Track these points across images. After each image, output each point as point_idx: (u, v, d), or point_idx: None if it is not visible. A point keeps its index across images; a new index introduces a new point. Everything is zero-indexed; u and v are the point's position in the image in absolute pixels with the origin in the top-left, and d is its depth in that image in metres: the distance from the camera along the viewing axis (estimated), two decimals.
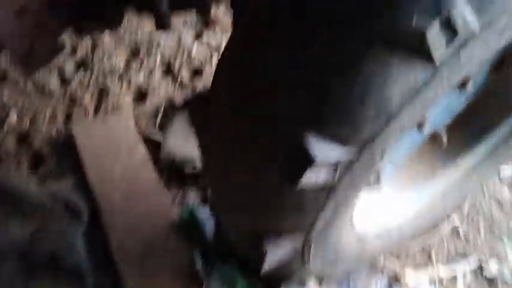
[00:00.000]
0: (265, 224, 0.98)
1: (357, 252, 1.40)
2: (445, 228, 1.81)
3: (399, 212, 1.55)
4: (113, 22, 1.85)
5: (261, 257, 1.01)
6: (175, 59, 2.53)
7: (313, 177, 0.82)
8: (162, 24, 1.77)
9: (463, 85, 1.38)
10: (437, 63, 0.74)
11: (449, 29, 0.72)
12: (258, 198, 0.93)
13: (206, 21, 2.73)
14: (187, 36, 2.67)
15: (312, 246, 1.09)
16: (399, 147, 1.51)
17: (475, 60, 0.82)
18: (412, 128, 0.89)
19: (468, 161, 1.66)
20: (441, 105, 1.43)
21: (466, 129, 1.63)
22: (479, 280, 1.66)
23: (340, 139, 0.81)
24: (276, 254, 1.02)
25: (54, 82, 2.41)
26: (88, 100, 2.33)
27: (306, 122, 0.80)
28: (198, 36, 2.68)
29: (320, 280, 1.58)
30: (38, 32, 1.29)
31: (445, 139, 1.56)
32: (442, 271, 1.67)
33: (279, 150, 0.84)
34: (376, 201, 1.45)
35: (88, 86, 2.39)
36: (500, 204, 1.87)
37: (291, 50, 0.81)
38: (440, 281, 1.66)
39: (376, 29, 0.73)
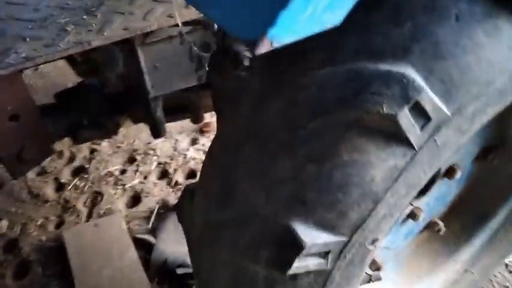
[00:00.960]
0: None
1: None
2: None
3: None
4: (107, 131, 1.91)
5: None
6: (170, 163, 2.55)
7: (304, 265, 0.77)
8: (158, 132, 1.83)
9: (451, 173, 1.37)
10: (415, 147, 0.74)
11: (422, 114, 0.72)
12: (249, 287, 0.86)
13: (201, 129, 2.83)
14: (183, 142, 2.74)
15: None
16: (397, 238, 1.45)
17: (452, 146, 0.82)
18: (402, 214, 0.86)
19: (470, 251, 1.59)
20: (434, 194, 1.41)
21: (463, 218, 1.59)
22: None
23: (328, 225, 0.77)
24: None
25: (49, 189, 2.40)
26: (81, 206, 2.30)
27: (292, 210, 0.77)
28: (194, 142, 2.75)
29: None
30: (29, 136, 1.32)
31: (443, 228, 1.51)
32: None
33: (267, 240, 0.80)
34: None
35: (83, 192, 2.37)
36: None
37: (269, 145, 0.81)
38: None
39: (349, 117, 0.73)
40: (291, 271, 0.76)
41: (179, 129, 2.84)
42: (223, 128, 0.96)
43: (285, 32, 0.52)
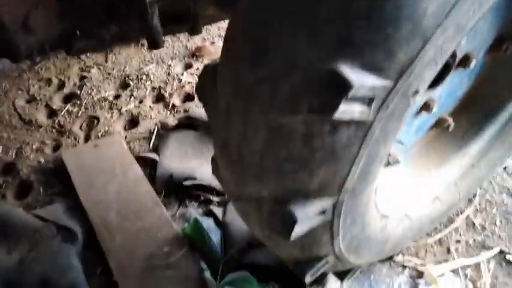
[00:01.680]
0: (293, 183, 0.86)
1: (380, 240, 1.27)
2: (460, 221, 1.70)
3: (417, 197, 1.44)
4: (103, 42, 1.79)
5: (288, 224, 0.88)
6: (165, 87, 2.46)
7: (349, 109, 0.73)
8: (155, 42, 1.72)
9: (465, 62, 1.34)
10: None
11: None
12: (285, 148, 0.81)
13: (194, 53, 2.72)
14: (177, 67, 2.63)
15: (341, 214, 0.96)
16: (409, 132, 1.44)
17: None
18: (447, 56, 0.81)
19: (476, 147, 1.60)
20: (446, 87, 1.39)
21: (472, 114, 1.58)
22: (503, 266, 1.53)
23: (375, 66, 0.72)
24: (304, 220, 0.88)
25: (41, 115, 2.30)
26: (77, 129, 2.21)
27: (338, 52, 0.72)
28: (187, 66, 2.64)
29: (341, 278, 1.42)
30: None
31: (452, 124, 1.50)
32: (465, 261, 1.54)
33: (309, 87, 0.74)
34: (396, 184, 1.35)
35: (77, 116, 2.27)
36: (511, 194, 1.78)
37: None
38: (464, 271, 1.52)
39: None
40: (337, 115, 0.72)
41: (171, 55, 2.72)
42: None
43: None
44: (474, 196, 1.79)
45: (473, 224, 1.71)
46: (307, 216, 0.89)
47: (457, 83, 1.48)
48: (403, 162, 1.43)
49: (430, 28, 0.72)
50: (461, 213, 1.74)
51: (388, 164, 1.24)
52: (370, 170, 0.91)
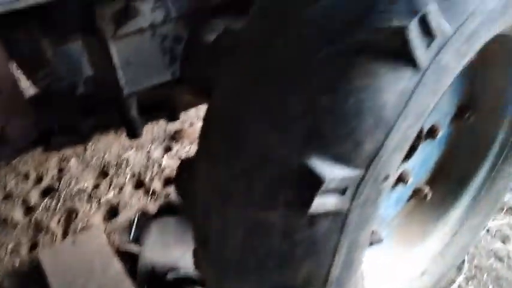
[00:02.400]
0: (277, 280, 0.83)
1: None
2: None
3: (405, 274, 1.41)
4: (81, 136, 1.80)
5: None
6: (145, 172, 2.45)
7: (323, 202, 0.73)
8: (134, 132, 1.74)
9: (433, 133, 1.39)
10: (422, 65, 0.73)
11: (427, 33, 0.72)
12: (265, 244, 0.80)
13: (174, 136, 2.76)
14: (156, 151, 2.65)
15: None
16: (388, 206, 1.44)
17: (452, 70, 0.83)
18: (412, 139, 0.84)
19: (456, 214, 1.60)
20: (418, 158, 1.42)
21: (447, 182, 1.61)
22: None
23: (344, 157, 0.74)
24: None
25: (17, 213, 2.23)
26: (55, 225, 2.14)
27: (308, 146, 0.74)
28: (167, 149, 2.66)
29: None
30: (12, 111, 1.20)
31: (429, 193, 1.52)
32: None
33: (283, 182, 0.75)
34: (382, 263, 1.32)
35: (55, 211, 2.22)
36: (498, 258, 1.76)
37: (278, 84, 0.78)
38: None
39: (359, 40, 0.72)
40: (312, 209, 0.72)
41: (151, 139, 2.75)
42: (222, 85, 0.90)
43: None
44: (463, 263, 1.76)
45: None
46: None
47: (429, 153, 1.52)
48: (387, 239, 1.42)
49: (391, 118, 0.75)
50: (453, 282, 1.70)
51: (371, 243, 1.22)
52: (353, 256, 0.89)
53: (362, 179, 0.78)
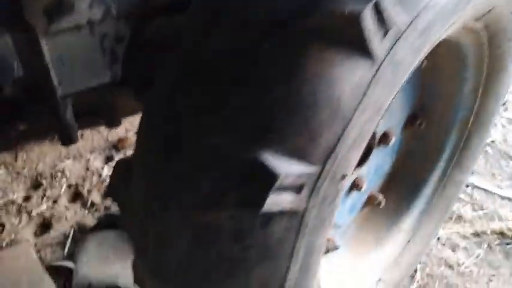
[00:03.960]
0: None
1: None
2: None
3: (362, 282, 1.39)
4: (8, 143, 1.65)
5: None
6: (83, 184, 2.29)
7: (277, 201, 0.68)
8: (69, 137, 1.61)
9: (385, 139, 1.40)
10: (378, 57, 0.71)
11: (382, 23, 0.71)
12: (212, 250, 0.73)
13: (116, 145, 2.61)
14: (96, 160, 2.49)
15: None
16: (342, 213, 1.42)
17: (407, 67, 0.82)
18: (369, 137, 0.81)
19: (409, 222, 1.62)
20: (371, 164, 1.42)
21: (399, 190, 1.63)
22: None
23: (299, 152, 0.70)
24: None
25: None
26: None
27: (259, 141, 0.69)
28: (108, 159, 2.51)
29: None
30: None
31: (382, 200, 1.52)
32: None
33: (232, 182, 0.69)
34: (338, 271, 1.29)
35: None
36: (449, 265, 1.80)
37: (221, 77, 0.73)
38: None
39: (311, 26, 0.69)
40: (266, 208, 0.67)
41: (90, 148, 2.59)
42: (161, 80, 0.84)
43: None
44: (415, 271, 1.78)
45: None
46: None
47: (381, 160, 1.53)
48: (342, 247, 1.40)
49: (348, 111, 0.72)
50: None
51: (327, 251, 1.19)
52: (310, 262, 0.84)
53: (319, 176, 0.74)
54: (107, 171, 2.40)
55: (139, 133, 0.86)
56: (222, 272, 0.75)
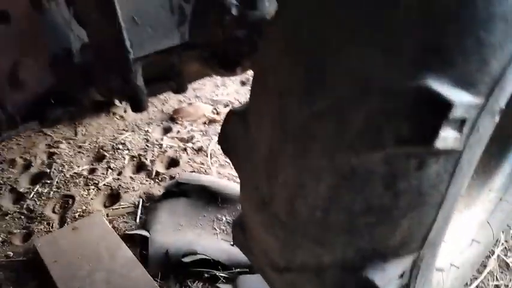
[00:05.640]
0: (370, 241, 0.66)
1: None
2: (493, 263, 1.54)
3: (457, 243, 1.27)
4: (81, 108, 1.59)
5: None
6: (145, 155, 2.24)
7: (445, 137, 0.56)
8: (139, 104, 1.54)
9: None
10: None
11: None
12: (358, 198, 0.63)
13: (172, 116, 2.55)
14: (155, 132, 2.44)
15: (419, 275, 0.76)
16: None
17: None
18: None
19: (499, 180, 1.48)
20: None
21: (489, 148, 1.48)
22: None
23: (467, 80, 0.58)
24: None
25: (6, 201, 1.99)
26: (50, 212, 1.92)
27: (424, 64, 0.57)
28: (167, 131, 2.46)
29: None
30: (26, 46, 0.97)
31: None
32: None
33: (391, 113, 0.58)
34: None
35: (48, 198, 1.99)
36: None
37: None
38: None
39: None
40: (438, 143, 0.55)
41: (147, 121, 2.54)
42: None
43: None
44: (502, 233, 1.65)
45: (507, 265, 1.54)
46: (388, 283, 0.68)
47: None
48: None
49: None
50: (491, 254, 1.58)
51: None
52: (450, 212, 0.73)
53: (482, 109, 0.62)
54: (166, 142, 2.34)
55: (259, 64, 0.75)
56: (367, 223, 0.65)
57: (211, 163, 2.16)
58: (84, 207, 1.92)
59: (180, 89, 1.75)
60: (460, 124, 0.60)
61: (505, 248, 1.61)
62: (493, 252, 1.58)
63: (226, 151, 0.84)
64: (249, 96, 0.80)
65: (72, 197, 1.98)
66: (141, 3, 1.32)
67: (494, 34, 0.57)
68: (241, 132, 0.78)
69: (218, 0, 1.47)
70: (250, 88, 0.80)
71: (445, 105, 0.54)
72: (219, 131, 0.86)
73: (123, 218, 1.86)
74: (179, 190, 1.91)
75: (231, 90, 2.83)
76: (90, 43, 1.42)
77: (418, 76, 0.57)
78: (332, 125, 0.62)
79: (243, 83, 2.91)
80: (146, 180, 2.07)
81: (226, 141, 0.83)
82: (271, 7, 1.50)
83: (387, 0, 0.58)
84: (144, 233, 1.71)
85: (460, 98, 0.56)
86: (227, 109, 2.61)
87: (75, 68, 1.45)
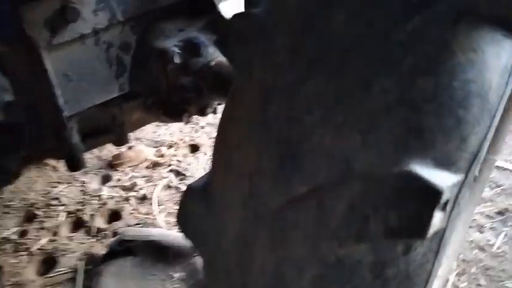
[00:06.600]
0: None
1: None
2: None
3: None
4: (8, 176, 1.41)
5: None
6: (83, 210, 2.04)
7: (437, 215, 0.52)
8: (77, 163, 1.39)
9: None
10: None
11: None
12: (347, 283, 0.56)
13: (111, 163, 2.37)
14: (92, 182, 2.24)
15: None
16: None
17: None
18: None
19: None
20: None
21: None
22: None
23: (447, 159, 0.54)
24: None
25: None
26: None
27: (407, 148, 0.52)
28: (105, 179, 2.27)
29: None
30: None
31: None
32: None
33: (376, 201, 0.53)
34: None
35: None
36: (481, 248, 1.72)
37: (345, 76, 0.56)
38: None
39: (458, 3, 0.54)
40: (432, 229, 0.51)
41: (83, 170, 2.32)
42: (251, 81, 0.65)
43: None
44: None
45: None
46: None
47: None
48: None
49: (495, 102, 0.57)
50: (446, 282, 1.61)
51: None
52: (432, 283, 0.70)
53: (462, 185, 0.59)
54: (106, 192, 2.16)
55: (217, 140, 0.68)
56: None
57: (158, 212, 2.02)
58: (14, 279, 1.68)
59: (120, 141, 1.62)
60: (444, 204, 0.57)
61: (458, 273, 1.65)
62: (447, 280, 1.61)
63: (185, 232, 0.74)
64: (209, 169, 0.72)
65: (0, 268, 1.73)
66: (74, 57, 1.21)
67: (471, 111, 0.55)
68: (203, 212, 0.70)
69: (160, 49, 1.39)
70: (211, 162, 0.72)
71: (435, 193, 0.50)
72: (178, 209, 0.77)
73: (62, 286, 1.65)
74: (124, 248, 1.75)
75: (174, 129, 2.70)
76: (18, 101, 1.26)
77: (402, 160, 0.52)
78: (313, 213, 0.56)
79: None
80: (86, 239, 1.88)
81: (185, 221, 0.74)
82: (216, 54, 1.44)
83: (360, 81, 0.54)
84: None
85: (445, 181, 0.53)
86: (172, 150, 2.49)
87: (3, 128, 1.29)
